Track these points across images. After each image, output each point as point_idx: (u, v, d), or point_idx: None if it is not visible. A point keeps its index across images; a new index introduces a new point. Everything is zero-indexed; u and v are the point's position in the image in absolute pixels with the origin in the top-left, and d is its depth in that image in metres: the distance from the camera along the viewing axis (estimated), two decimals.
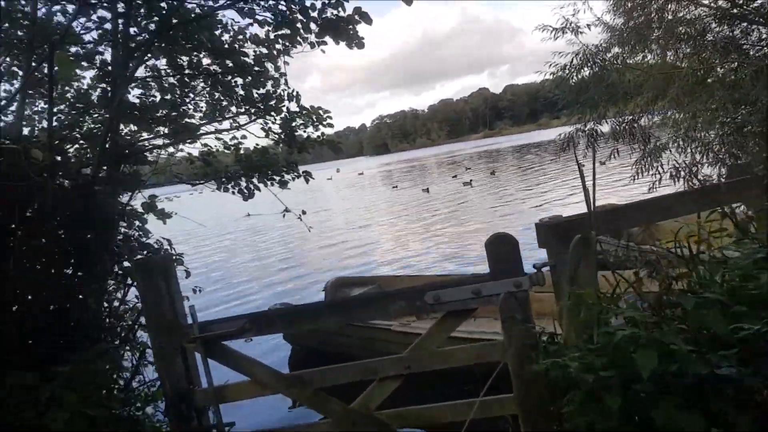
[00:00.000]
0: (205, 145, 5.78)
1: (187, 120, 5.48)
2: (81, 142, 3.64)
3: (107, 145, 3.49)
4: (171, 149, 5.71)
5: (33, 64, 2.94)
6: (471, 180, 30.06)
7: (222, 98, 5.31)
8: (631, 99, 9.72)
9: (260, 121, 5.39)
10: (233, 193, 5.79)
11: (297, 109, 5.38)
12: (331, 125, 5.39)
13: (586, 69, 9.66)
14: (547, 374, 2.09)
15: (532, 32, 10.00)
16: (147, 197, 4.71)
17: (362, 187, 41.20)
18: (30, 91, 3.31)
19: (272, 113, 5.16)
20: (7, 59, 3.30)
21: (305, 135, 5.55)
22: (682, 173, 8.68)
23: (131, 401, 2.74)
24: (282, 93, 5.03)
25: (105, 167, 3.29)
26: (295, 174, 5.96)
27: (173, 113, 5.40)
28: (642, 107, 9.46)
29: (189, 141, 5.66)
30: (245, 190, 5.86)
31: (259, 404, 2.92)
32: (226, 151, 5.86)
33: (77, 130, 3.66)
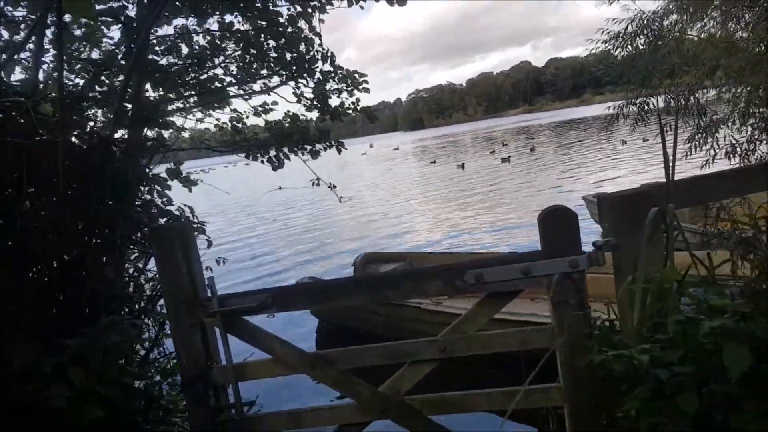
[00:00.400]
0: (234, 110, 5.59)
1: (216, 84, 5.29)
2: (102, 102, 3.47)
3: (129, 107, 3.32)
4: (199, 114, 5.56)
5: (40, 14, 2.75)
6: (509, 156, 29.20)
7: (253, 60, 5.07)
8: (688, 71, 9.03)
9: (292, 84, 5.14)
10: (262, 162, 5.61)
11: (331, 70, 5.11)
12: (367, 90, 5.10)
13: (641, 37, 9.01)
14: (602, 366, 1.83)
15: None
16: (173, 164, 4.54)
17: (397, 163, 40.73)
18: (47, 47, 3.14)
19: (305, 75, 4.90)
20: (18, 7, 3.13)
21: (339, 101, 5.28)
22: (739, 150, 8.11)
23: (148, 375, 2.61)
24: (315, 54, 4.76)
25: (126, 129, 3.13)
26: (327, 143, 5.73)
27: (201, 76, 5.22)
28: (699, 78, 8.80)
29: (217, 106, 5.49)
30: (275, 159, 5.68)
31: (279, 383, 2.76)
32: (255, 117, 5.65)
33: (96, 88, 3.49)
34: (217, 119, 5.71)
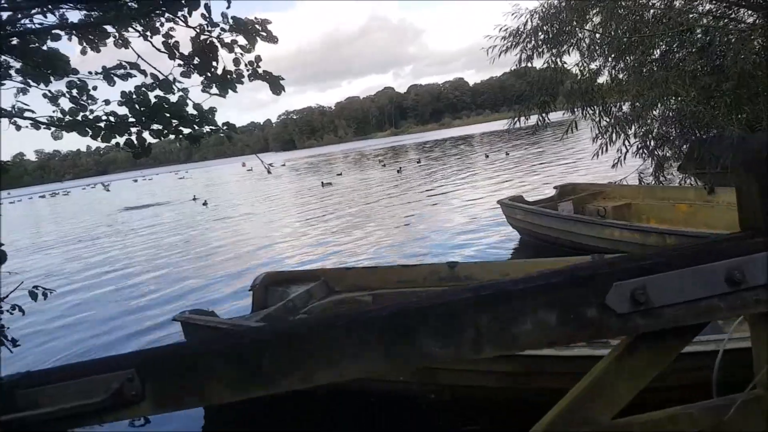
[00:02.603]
0: (74, 71, 3.82)
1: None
2: None
3: None
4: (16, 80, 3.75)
5: None
6: (401, 168, 30.14)
7: None
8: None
9: (160, 27, 3.59)
10: (119, 147, 3.92)
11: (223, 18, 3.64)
12: (273, 39, 3.69)
13: (540, 33, 8.59)
14: None
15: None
16: None
17: (277, 179, 38.56)
18: None
19: (180, 11, 3.38)
20: None
21: (233, 57, 3.77)
22: (651, 145, 7.95)
23: None
24: None
25: None
26: (213, 127, 4.21)
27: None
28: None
29: (46, 69, 3.73)
30: (136, 143, 3.99)
31: None
32: (105, 83, 3.93)
33: None
34: (48, 90, 3.91)
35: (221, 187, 41.03)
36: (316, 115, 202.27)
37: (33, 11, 3.59)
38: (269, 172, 4.50)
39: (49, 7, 3.61)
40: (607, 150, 7.93)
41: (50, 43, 3.77)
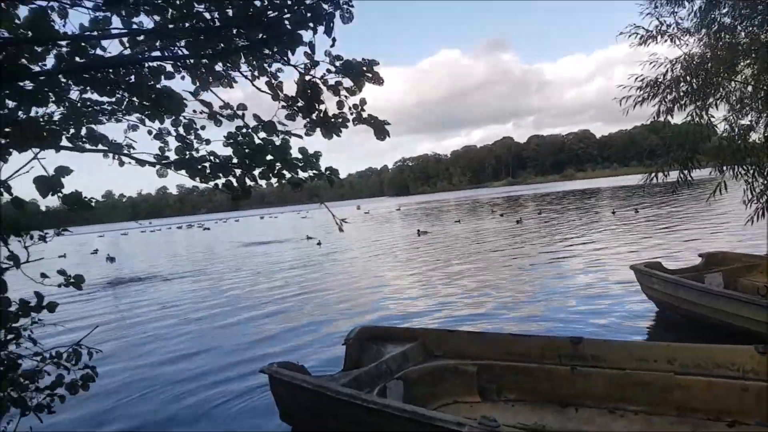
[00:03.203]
0: (183, 116, 3.81)
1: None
2: None
3: None
4: (130, 118, 3.80)
5: None
6: (520, 218, 29.60)
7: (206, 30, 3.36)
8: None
9: (267, 67, 3.42)
10: (216, 187, 3.78)
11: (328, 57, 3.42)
12: (379, 80, 3.38)
13: (686, 80, 7.66)
14: None
15: (616, 37, 8.18)
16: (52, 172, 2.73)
17: (391, 224, 39.04)
18: None
19: (281, 52, 3.19)
20: None
21: (335, 101, 3.52)
22: None
23: None
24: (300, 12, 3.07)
25: None
26: (315, 172, 3.97)
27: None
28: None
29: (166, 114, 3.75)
30: (237, 186, 3.85)
31: None
32: (210, 122, 3.89)
33: None
34: (152, 127, 3.92)
35: (336, 228, 42.19)
36: (432, 162, 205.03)
37: (153, 51, 3.62)
38: (341, 229, 4.15)
39: (168, 45, 3.63)
40: (764, 216, 6.78)
41: (164, 81, 3.78)
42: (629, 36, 7.81)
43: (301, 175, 4.05)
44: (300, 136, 3.56)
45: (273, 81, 3.59)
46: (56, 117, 3.45)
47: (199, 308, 11.54)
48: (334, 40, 3.13)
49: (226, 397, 5.75)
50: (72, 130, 3.56)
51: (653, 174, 7.66)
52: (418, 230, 28.09)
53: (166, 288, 15.50)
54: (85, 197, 2.78)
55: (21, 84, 2.62)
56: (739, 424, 3.63)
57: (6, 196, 2.43)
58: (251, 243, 32.66)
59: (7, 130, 2.70)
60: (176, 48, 3.69)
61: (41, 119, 3.33)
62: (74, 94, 3.56)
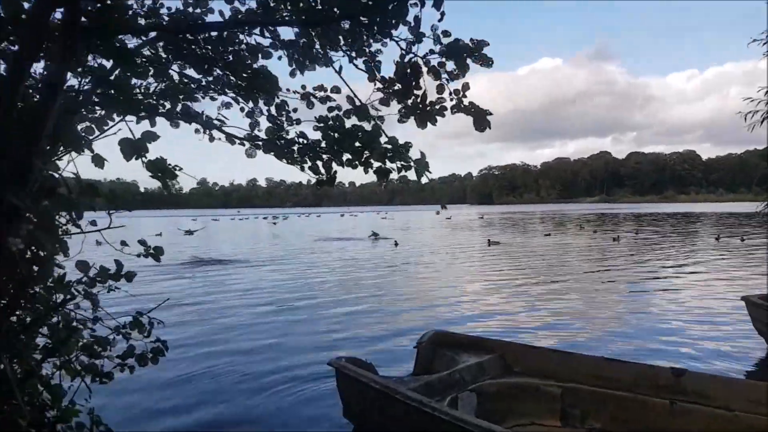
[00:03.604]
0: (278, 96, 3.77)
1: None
2: None
3: None
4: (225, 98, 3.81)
5: None
6: (618, 236, 28.38)
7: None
8: None
9: (366, 48, 3.29)
10: (302, 169, 3.70)
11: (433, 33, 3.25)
12: (487, 62, 3.12)
13: None
14: None
15: (748, 45, 7.35)
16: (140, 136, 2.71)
17: (471, 231, 38.32)
18: None
19: (390, 23, 3.03)
20: None
21: (437, 83, 3.31)
22: None
23: None
24: None
25: None
26: (403, 163, 3.77)
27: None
28: None
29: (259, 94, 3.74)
30: (322, 170, 3.76)
31: None
32: (301, 103, 3.85)
33: None
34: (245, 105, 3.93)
35: (415, 230, 42.21)
36: (520, 172, 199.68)
37: (254, 29, 3.59)
38: (445, 213, 3.85)
39: (269, 26, 3.59)
40: None
41: (261, 61, 3.76)
42: (764, 43, 7.01)
43: (389, 165, 3.89)
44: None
45: (371, 61, 3.44)
46: (154, 90, 3.49)
47: (275, 294, 11.78)
48: (442, 13, 2.90)
49: (290, 384, 5.70)
50: (168, 105, 3.59)
51: None
52: (489, 240, 27.43)
53: (247, 272, 16.04)
54: (170, 164, 2.74)
55: (120, 45, 2.62)
56: None
57: (87, 153, 2.41)
58: (330, 238, 33.36)
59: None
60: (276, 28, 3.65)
61: (139, 90, 3.38)
62: (173, 74, 3.60)
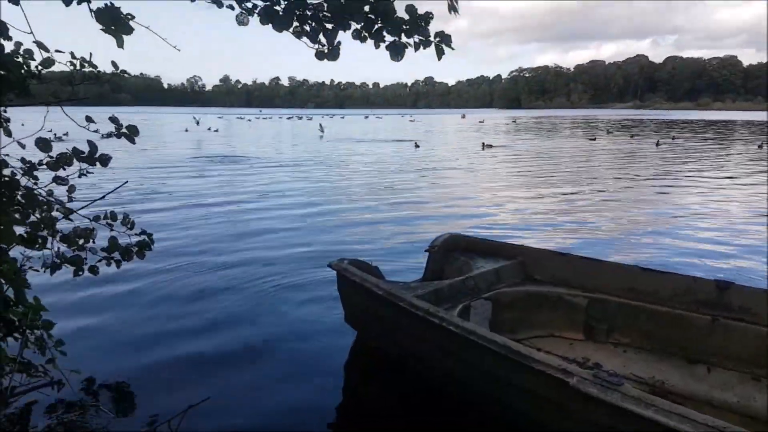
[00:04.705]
0: None
1: None
2: None
3: None
4: None
5: None
6: (659, 141, 28.61)
7: None
8: None
9: None
10: (298, 37, 3.17)
11: None
12: None
13: None
14: None
15: None
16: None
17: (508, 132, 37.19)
18: None
19: None
20: None
21: None
22: None
23: None
24: None
25: None
26: (422, 38, 3.21)
27: None
28: None
29: None
30: (324, 40, 3.26)
31: None
32: None
33: None
34: None
35: (440, 134, 41.15)
36: (551, 75, 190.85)
37: None
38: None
39: None
40: None
41: None
42: None
43: (405, 40, 3.33)
44: None
45: None
46: None
47: (288, 194, 11.48)
48: None
49: (291, 283, 5.45)
50: None
51: None
52: (483, 143, 26.20)
53: (263, 172, 15.73)
54: (123, 14, 2.19)
55: None
56: None
57: None
58: (347, 139, 32.77)
59: None
60: None
61: None
62: None
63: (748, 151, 23.10)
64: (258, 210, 9.70)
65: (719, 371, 3.29)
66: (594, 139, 31.42)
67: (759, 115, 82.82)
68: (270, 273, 5.80)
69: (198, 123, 51.40)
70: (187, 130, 40.40)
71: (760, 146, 24.51)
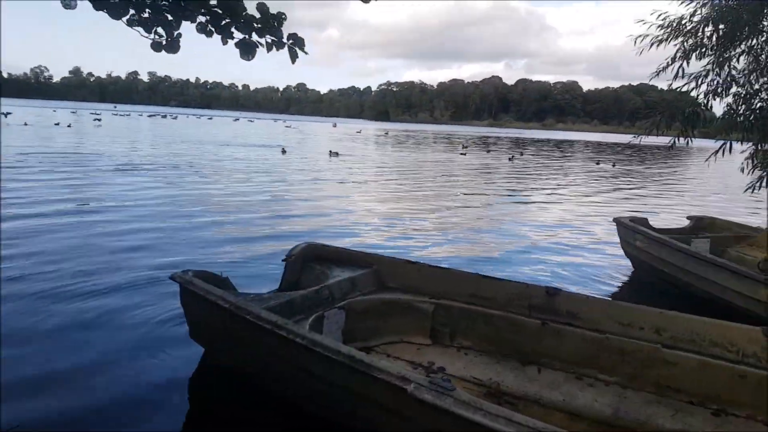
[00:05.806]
0: None
1: None
2: None
3: None
4: None
5: None
6: (513, 156, 30.79)
7: None
8: None
9: None
10: (132, 26, 2.91)
11: None
12: None
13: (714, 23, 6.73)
14: None
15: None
16: None
17: (364, 143, 37.84)
18: None
19: None
20: None
21: None
22: None
23: None
24: None
25: None
26: (274, 38, 3.13)
27: None
28: None
29: None
30: (157, 35, 3.04)
31: None
32: None
33: None
34: None
35: (311, 140, 40.96)
36: (417, 91, 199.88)
37: None
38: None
39: None
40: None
41: None
42: None
43: (257, 39, 3.20)
44: None
45: None
46: None
47: (142, 203, 10.55)
48: None
49: (131, 301, 4.95)
50: None
51: (653, 127, 6.89)
52: (330, 151, 26.37)
53: (122, 179, 14.37)
54: None
55: None
56: (726, 414, 3.09)
57: None
58: (211, 142, 31.35)
59: None
60: None
61: None
62: None
63: (587, 167, 26.24)
64: (99, 222, 8.80)
65: (548, 372, 3.58)
66: (465, 154, 33.36)
67: (595, 136, 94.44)
68: (109, 288, 5.24)
69: (6, 116, 42.97)
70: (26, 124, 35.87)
71: (597, 163, 27.99)
